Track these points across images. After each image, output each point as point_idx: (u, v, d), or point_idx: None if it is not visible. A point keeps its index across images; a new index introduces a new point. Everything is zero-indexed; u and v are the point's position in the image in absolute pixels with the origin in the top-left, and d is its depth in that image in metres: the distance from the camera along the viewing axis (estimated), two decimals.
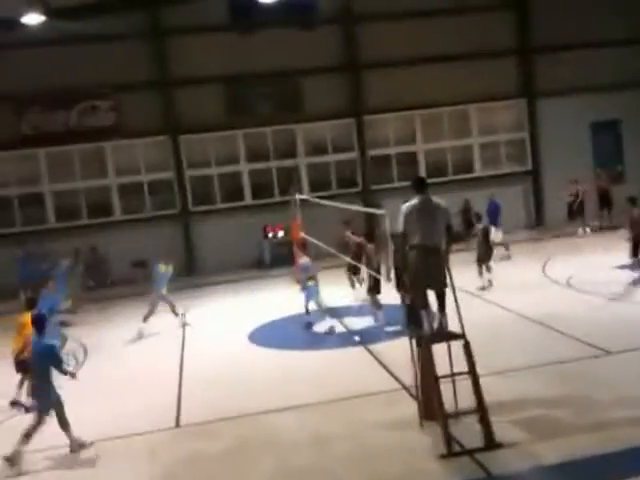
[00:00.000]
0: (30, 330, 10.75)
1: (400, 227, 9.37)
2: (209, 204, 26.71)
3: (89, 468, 9.44)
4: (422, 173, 26.93)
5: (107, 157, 26.23)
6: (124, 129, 25.63)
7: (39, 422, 9.60)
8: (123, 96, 25.51)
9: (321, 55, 26.34)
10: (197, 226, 26.12)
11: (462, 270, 17.39)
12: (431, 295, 9.47)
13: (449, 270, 9.26)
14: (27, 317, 11.40)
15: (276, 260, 25.04)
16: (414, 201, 9.35)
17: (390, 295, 13.32)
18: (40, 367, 9.80)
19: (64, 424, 9.73)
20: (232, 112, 26.39)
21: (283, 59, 25.76)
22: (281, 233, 25.51)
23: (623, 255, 17.83)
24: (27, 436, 9.49)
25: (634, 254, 17.17)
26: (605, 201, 25.55)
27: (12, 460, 9.39)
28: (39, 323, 10.00)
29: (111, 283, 24.89)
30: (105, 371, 14.16)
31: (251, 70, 25.83)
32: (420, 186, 9.47)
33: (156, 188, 26.67)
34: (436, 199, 9.44)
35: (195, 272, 25.56)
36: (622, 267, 17.94)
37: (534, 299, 16.00)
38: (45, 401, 9.72)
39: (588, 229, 24.87)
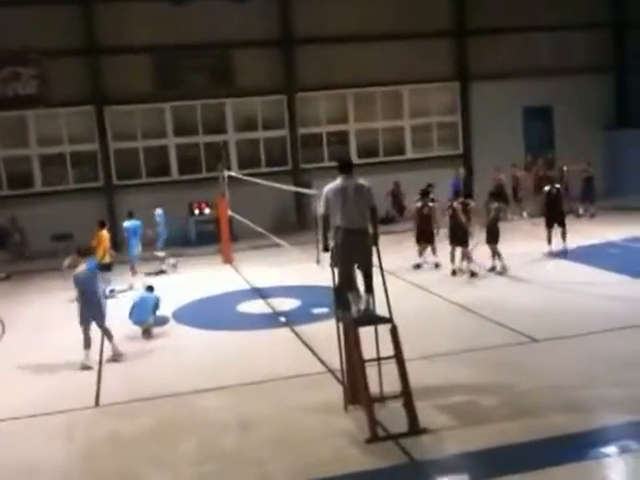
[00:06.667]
0: (106, 242, 17.25)
1: (321, 209, 9.19)
2: (134, 178, 25.99)
3: (5, 446, 9.12)
4: (353, 153, 26.85)
5: (29, 126, 25.27)
6: (48, 98, 24.62)
7: (110, 333, 12.33)
8: (48, 63, 24.45)
9: (254, 28, 25.84)
10: (121, 200, 25.34)
11: (397, 255, 17.71)
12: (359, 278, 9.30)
13: (378, 252, 9.12)
14: (101, 234, 17.19)
15: (202, 238, 24.68)
16: (336, 182, 9.11)
17: (318, 276, 13.15)
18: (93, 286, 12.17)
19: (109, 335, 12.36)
20: (161, 84, 25.72)
21: (215, 31, 25.23)
22: (207, 210, 25.15)
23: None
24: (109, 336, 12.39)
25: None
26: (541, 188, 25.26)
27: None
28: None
29: (29, 256, 24.08)
30: (23, 347, 13.70)
31: (182, 41, 25.20)
32: (344, 168, 9.21)
33: (79, 160, 25.85)
34: (360, 180, 9.20)
35: (117, 248, 24.89)
36: (550, 254, 18.32)
37: (463, 286, 16.13)
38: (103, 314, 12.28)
39: (525, 214, 25.04)
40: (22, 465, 8.51)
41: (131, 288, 17.83)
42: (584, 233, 20.14)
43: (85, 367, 11.93)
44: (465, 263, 16.96)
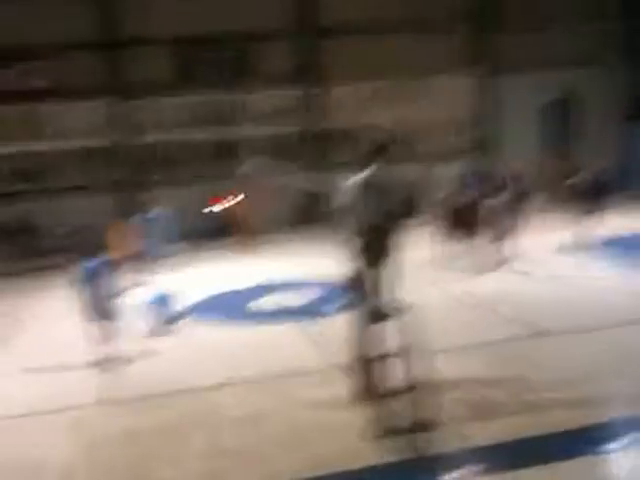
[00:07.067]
0: (120, 240, 16.94)
1: (344, 201, 8.97)
2: (152, 173, 26.04)
3: (12, 444, 9.09)
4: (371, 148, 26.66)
5: (44, 120, 25.38)
6: (64, 91, 24.75)
7: (116, 334, 11.84)
8: (64, 57, 24.59)
9: (276, 20, 25.75)
10: (138, 196, 25.35)
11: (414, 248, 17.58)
12: None
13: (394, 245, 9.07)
14: (116, 231, 17.27)
15: (219, 231, 24.72)
16: (363, 174, 8.93)
17: (333, 271, 13.11)
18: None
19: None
20: (180, 77, 25.72)
21: (236, 23, 25.15)
22: (225, 204, 25.19)
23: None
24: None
25: None
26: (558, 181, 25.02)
27: None
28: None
29: (42, 253, 24.19)
30: (33, 344, 13.77)
31: (203, 33, 25.16)
32: (375, 155, 8.96)
33: (95, 154, 25.93)
34: (387, 171, 9.01)
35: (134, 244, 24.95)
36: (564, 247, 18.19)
37: (475, 279, 16.01)
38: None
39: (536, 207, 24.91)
40: (27, 462, 8.48)
41: (144, 284, 17.83)
42: (600, 226, 19.92)
43: (97, 363, 11.93)
44: (476, 256, 16.90)
